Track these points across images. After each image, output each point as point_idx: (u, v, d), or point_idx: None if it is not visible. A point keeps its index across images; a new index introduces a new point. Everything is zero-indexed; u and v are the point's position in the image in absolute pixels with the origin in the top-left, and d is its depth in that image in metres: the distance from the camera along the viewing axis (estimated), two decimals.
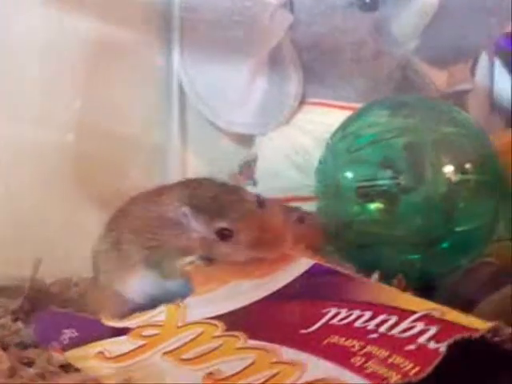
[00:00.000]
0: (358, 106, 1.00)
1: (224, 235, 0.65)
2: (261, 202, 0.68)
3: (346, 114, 0.98)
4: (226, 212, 0.65)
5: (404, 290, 0.74)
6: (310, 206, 0.96)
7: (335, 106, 1.03)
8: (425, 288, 0.83)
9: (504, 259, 0.86)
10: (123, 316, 0.67)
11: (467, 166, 0.84)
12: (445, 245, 0.85)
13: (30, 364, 0.59)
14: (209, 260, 0.66)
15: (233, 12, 1.03)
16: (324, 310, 0.56)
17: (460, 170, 0.83)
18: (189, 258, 0.67)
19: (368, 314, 0.53)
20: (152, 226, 0.69)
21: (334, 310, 0.55)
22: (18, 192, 0.95)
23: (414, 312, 0.52)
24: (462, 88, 1.12)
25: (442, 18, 0.98)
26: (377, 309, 0.54)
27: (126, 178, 1.06)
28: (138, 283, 0.70)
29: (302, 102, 1.04)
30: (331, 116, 1.02)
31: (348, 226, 0.88)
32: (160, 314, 0.64)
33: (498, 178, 0.85)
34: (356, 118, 0.91)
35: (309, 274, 0.63)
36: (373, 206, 0.87)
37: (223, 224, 0.65)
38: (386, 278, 0.76)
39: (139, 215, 0.71)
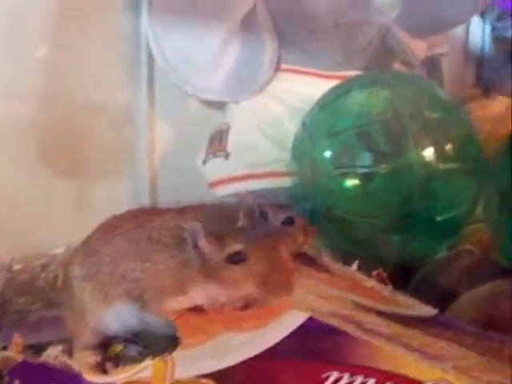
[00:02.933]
0: (335, 74, 0.97)
1: (235, 260, 0.61)
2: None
3: (322, 82, 0.95)
4: (242, 236, 0.62)
5: (384, 283, 0.73)
6: (284, 182, 0.93)
7: (311, 74, 0.99)
8: (403, 276, 0.83)
9: (479, 241, 0.86)
10: (96, 347, 0.65)
11: (448, 152, 0.82)
12: (422, 226, 0.84)
13: None
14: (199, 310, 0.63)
15: None
16: (324, 375, 0.53)
17: (441, 156, 0.81)
18: (176, 304, 0.63)
19: (372, 382, 0.51)
20: (139, 253, 0.65)
21: (334, 374, 0.53)
22: None
23: (419, 382, 0.50)
24: (439, 51, 1.09)
25: None
26: (381, 375, 0.52)
27: (94, 145, 1.02)
28: (114, 317, 0.67)
29: (277, 70, 0.99)
30: (307, 84, 0.98)
31: (324, 204, 0.86)
32: (146, 368, 0.60)
33: (479, 164, 0.84)
34: (335, 96, 0.87)
35: (303, 329, 0.59)
36: (349, 183, 0.85)
37: (237, 247, 0.61)
38: (366, 263, 0.75)
39: (125, 240, 0.66)
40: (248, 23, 0.97)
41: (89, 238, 0.71)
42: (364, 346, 0.55)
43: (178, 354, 0.60)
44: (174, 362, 0.60)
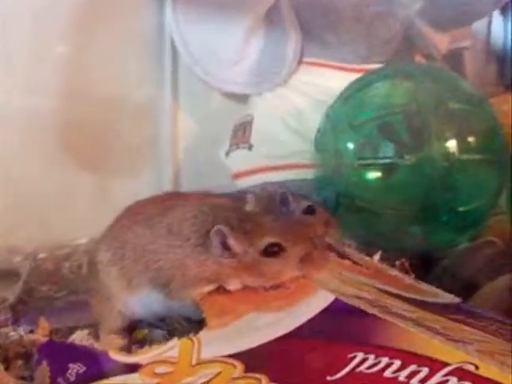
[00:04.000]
0: (358, 67, 0.97)
1: (271, 252, 0.62)
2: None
3: (345, 75, 0.95)
4: (271, 226, 0.63)
5: (406, 273, 0.74)
6: (307, 174, 0.94)
7: (333, 67, 0.99)
8: (425, 267, 0.83)
9: (502, 233, 0.86)
10: (122, 331, 0.66)
11: (471, 144, 0.82)
12: (445, 218, 0.84)
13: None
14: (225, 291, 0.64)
15: None
16: (350, 355, 0.53)
17: (464, 148, 0.81)
18: (205, 289, 0.64)
19: (397, 363, 0.51)
20: (161, 244, 0.65)
21: (360, 355, 0.53)
22: (7, 161, 0.92)
23: (445, 363, 0.50)
24: (461, 45, 1.09)
25: None
26: (406, 357, 0.51)
27: (117, 139, 1.03)
28: (139, 303, 0.68)
29: (300, 62, 1.00)
30: (329, 77, 0.98)
31: (347, 195, 0.86)
32: (172, 348, 0.60)
33: (502, 156, 0.84)
34: (358, 88, 0.88)
35: (330, 311, 0.59)
36: (372, 174, 0.85)
37: (272, 239, 0.62)
38: (388, 254, 0.75)
39: (146, 229, 0.67)
40: (271, 16, 0.98)
41: (113, 223, 0.72)
42: (389, 328, 0.56)
43: (204, 334, 0.61)
44: (201, 342, 0.60)
